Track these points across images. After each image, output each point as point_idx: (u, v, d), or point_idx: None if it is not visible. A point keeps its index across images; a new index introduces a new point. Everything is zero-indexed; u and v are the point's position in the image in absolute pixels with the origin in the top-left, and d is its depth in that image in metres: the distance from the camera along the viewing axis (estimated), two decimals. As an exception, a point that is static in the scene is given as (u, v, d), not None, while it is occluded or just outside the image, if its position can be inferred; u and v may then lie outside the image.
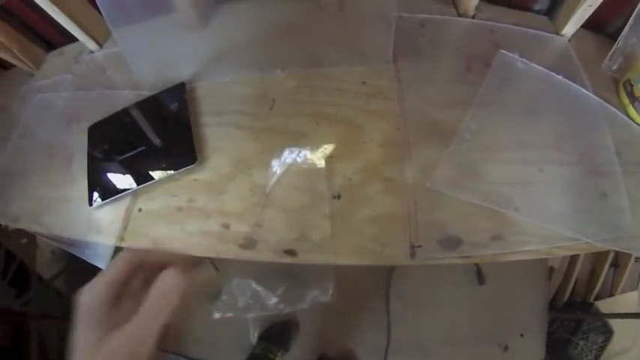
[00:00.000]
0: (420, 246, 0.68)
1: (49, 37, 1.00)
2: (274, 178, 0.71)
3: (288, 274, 0.87)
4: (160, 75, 0.81)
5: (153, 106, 0.80)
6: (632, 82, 0.75)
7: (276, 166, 0.71)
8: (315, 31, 0.79)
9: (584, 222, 0.72)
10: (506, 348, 1.24)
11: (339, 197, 0.69)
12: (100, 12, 0.78)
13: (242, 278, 0.85)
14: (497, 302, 1.24)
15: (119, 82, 0.86)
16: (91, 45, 0.92)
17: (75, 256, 0.82)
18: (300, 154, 0.70)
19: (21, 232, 1.13)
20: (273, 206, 0.69)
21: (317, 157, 0.70)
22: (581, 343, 1.22)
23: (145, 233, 0.72)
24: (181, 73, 0.81)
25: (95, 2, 0.77)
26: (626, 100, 0.77)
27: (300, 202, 0.69)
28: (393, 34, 0.71)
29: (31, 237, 1.27)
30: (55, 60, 1.01)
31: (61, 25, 0.86)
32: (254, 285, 0.86)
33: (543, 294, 1.29)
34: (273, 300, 0.87)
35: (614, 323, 1.24)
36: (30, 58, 0.98)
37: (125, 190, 0.74)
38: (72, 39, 0.94)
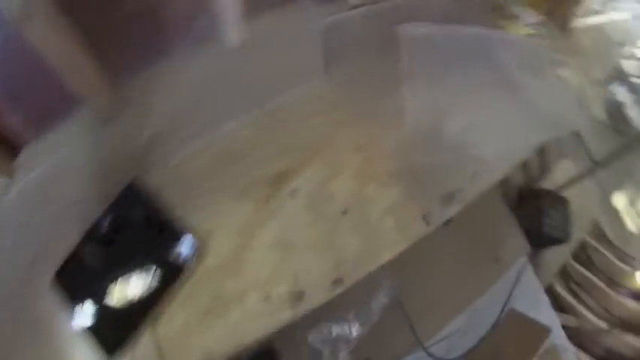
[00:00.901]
0: (430, 212, 0.81)
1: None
2: (283, 225, 0.76)
3: (346, 295, 0.93)
4: (105, 182, 0.76)
5: (116, 219, 0.75)
6: (503, 5, 0.98)
7: (279, 213, 0.76)
8: (240, 74, 0.83)
9: (529, 130, 0.92)
10: (497, 259, 1.47)
11: (347, 212, 0.77)
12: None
13: (312, 331, 0.87)
14: (470, 231, 1.45)
15: (59, 208, 0.77)
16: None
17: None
18: (296, 192, 0.76)
19: None
20: (297, 251, 0.74)
21: (311, 186, 0.77)
22: (547, 222, 1.50)
23: (191, 354, 0.70)
24: (124, 169, 0.77)
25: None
26: (505, 22, 0.99)
27: (320, 232, 0.75)
28: (321, 45, 0.81)
29: None
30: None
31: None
32: (327, 325, 0.89)
33: (500, 201, 1.54)
34: (353, 328, 0.92)
35: (564, 193, 1.55)
36: None
37: (137, 323, 0.71)
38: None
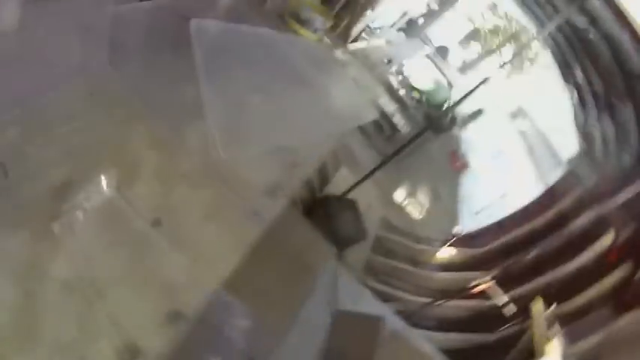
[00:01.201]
0: (258, 208, 0.75)
1: None
2: (77, 256, 0.56)
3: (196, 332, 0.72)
4: None
5: None
6: (296, 11, 1.05)
7: (67, 240, 0.56)
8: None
9: (328, 121, 0.99)
10: (308, 266, 1.50)
11: (160, 222, 0.64)
12: None
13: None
14: (277, 248, 1.46)
15: None
16: None
17: None
18: (84, 205, 0.59)
19: None
20: (105, 288, 0.53)
21: (104, 195, 0.61)
22: (340, 225, 1.57)
23: None
24: None
25: None
26: (296, 26, 1.06)
27: (129, 255, 0.57)
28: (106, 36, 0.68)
29: None
30: None
31: None
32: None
33: (296, 214, 1.59)
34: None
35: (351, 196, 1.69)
36: None
37: None
38: None
